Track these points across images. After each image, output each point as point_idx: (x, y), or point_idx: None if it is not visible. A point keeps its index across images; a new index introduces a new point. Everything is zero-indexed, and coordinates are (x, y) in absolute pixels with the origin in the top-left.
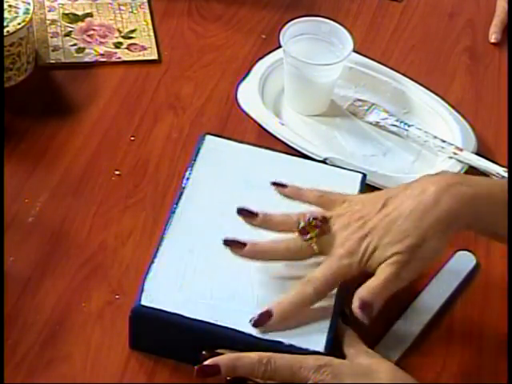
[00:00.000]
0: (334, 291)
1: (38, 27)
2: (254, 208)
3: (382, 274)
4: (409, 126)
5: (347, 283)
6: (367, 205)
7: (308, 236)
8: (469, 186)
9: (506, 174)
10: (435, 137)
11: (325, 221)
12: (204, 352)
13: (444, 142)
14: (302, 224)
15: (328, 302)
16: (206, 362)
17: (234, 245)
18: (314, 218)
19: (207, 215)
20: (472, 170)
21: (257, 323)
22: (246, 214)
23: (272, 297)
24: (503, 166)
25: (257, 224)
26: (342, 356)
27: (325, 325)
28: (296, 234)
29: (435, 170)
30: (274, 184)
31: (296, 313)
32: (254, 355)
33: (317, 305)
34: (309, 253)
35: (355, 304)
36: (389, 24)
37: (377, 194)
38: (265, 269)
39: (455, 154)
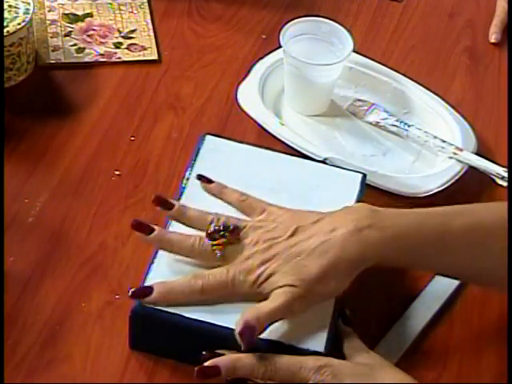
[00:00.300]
0: None
1: (38, 27)
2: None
3: (275, 300)
4: (409, 126)
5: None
6: (279, 227)
7: (215, 242)
8: (378, 230)
9: (505, 174)
10: (435, 137)
11: (235, 231)
12: (204, 352)
13: (444, 142)
14: (211, 228)
15: (328, 302)
16: (206, 363)
17: (140, 228)
18: (226, 227)
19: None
20: (472, 170)
21: (134, 294)
22: (161, 201)
23: None
24: (503, 166)
25: (171, 214)
26: (342, 356)
27: (325, 325)
28: (203, 236)
29: (435, 169)
30: (200, 178)
31: (175, 299)
32: (253, 356)
33: (317, 305)
34: (212, 257)
35: (238, 328)
36: (389, 24)
37: (293, 215)
38: None
39: (455, 154)
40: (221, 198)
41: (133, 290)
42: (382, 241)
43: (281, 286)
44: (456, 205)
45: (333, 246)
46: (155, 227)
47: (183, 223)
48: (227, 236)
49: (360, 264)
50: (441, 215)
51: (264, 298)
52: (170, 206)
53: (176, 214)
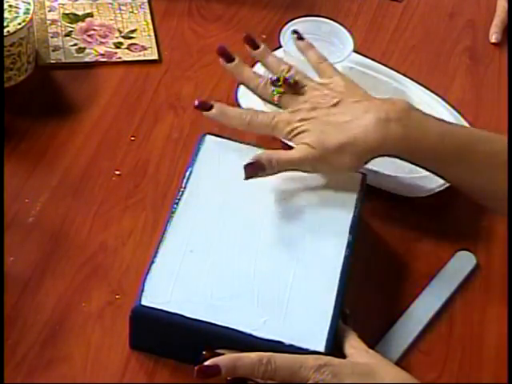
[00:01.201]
0: (335, 291)
1: (38, 27)
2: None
3: (293, 153)
4: None
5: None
6: (329, 95)
7: (275, 88)
8: (403, 127)
9: None
10: None
11: (295, 86)
12: (204, 352)
13: None
14: (276, 76)
15: (328, 302)
16: (206, 363)
17: (224, 56)
18: (288, 79)
19: (207, 215)
20: None
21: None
22: (250, 40)
23: (272, 297)
24: None
25: (255, 54)
26: (343, 356)
27: (325, 325)
28: (269, 78)
29: None
30: (295, 32)
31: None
32: (254, 355)
33: (317, 305)
34: (269, 99)
35: (248, 160)
36: (389, 24)
37: (346, 87)
38: (266, 269)
39: None
40: (303, 54)
41: (198, 101)
42: (402, 137)
43: (303, 143)
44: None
45: (357, 126)
46: (236, 59)
47: (263, 65)
48: (286, 88)
49: (376, 150)
50: (468, 135)
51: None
52: (256, 46)
53: (259, 55)
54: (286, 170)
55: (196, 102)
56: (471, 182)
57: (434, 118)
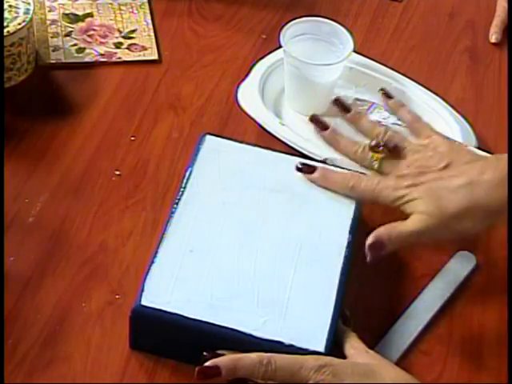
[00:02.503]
0: (335, 291)
1: (38, 27)
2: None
3: (410, 223)
4: None
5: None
6: (435, 157)
7: (375, 154)
8: None
9: None
10: None
11: (395, 149)
12: (205, 353)
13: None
14: (375, 141)
15: (328, 302)
16: (206, 364)
17: (317, 124)
18: (388, 143)
19: (207, 215)
20: None
21: None
22: (341, 108)
23: (272, 297)
24: None
25: (348, 118)
26: (343, 357)
27: (325, 325)
28: (367, 145)
29: None
30: (382, 90)
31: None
32: (254, 356)
33: (317, 305)
34: (369, 166)
35: (369, 239)
36: (389, 24)
37: (451, 149)
38: (266, 269)
39: None
40: (395, 113)
41: (301, 163)
42: None
43: (419, 212)
44: None
45: (477, 189)
46: (330, 127)
47: (356, 129)
48: (386, 152)
49: (500, 213)
50: None
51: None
52: (348, 110)
53: (352, 119)
54: (406, 244)
55: (299, 165)
56: None
57: None
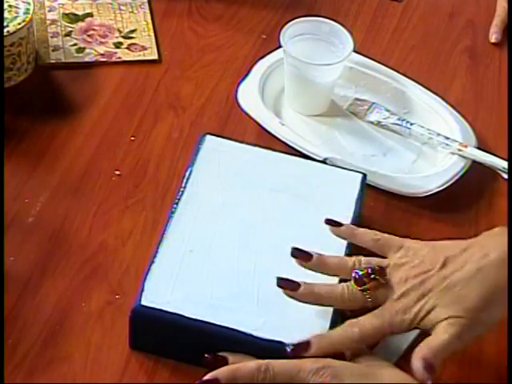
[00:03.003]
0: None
1: (38, 27)
2: (307, 249)
3: (443, 333)
4: (411, 124)
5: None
6: (426, 260)
7: (365, 287)
8: None
9: None
10: (439, 134)
11: (382, 272)
12: (206, 355)
13: (448, 138)
14: (359, 273)
15: None
16: (205, 377)
17: (288, 286)
18: (372, 269)
19: (207, 215)
20: (476, 166)
21: (294, 351)
22: (299, 255)
23: (272, 297)
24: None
25: (311, 266)
26: (342, 358)
27: (325, 325)
28: (351, 282)
29: (435, 169)
30: (328, 222)
31: (334, 349)
32: (252, 364)
33: (317, 305)
34: (363, 302)
35: (417, 364)
36: (389, 24)
37: (434, 247)
38: (266, 269)
39: (460, 150)
40: (352, 241)
41: (292, 347)
42: None
43: (445, 319)
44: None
45: (489, 273)
46: (301, 283)
47: (323, 272)
48: (377, 278)
49: None
50: None
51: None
52: (309, 259)
53: (316, 265)
54: (448, 356)
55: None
56: None
57: None
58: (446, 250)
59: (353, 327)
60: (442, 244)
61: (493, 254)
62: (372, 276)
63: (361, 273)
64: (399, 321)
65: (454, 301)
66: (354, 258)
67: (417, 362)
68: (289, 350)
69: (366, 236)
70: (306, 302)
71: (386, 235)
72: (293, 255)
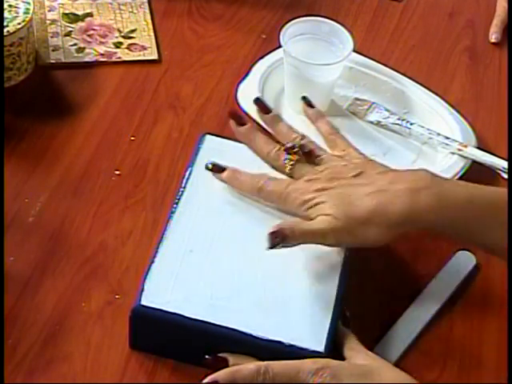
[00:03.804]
0: (334, 292)
1: (38, 27)
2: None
3: (315, 223)
4: (411, 123)
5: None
6: (348, 166)
7: (288, 156)
8: (434, 195)
9: None
10: (439, 134)
11: (310, 154)
12: (207, 356)
13: (448, 138)
14: (290, 143)
15: (328, 302)
16: (204, 381)
17: (235, 118)
18: (303, 147)
19: (207, 215)
20: (476, 166)
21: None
22: (261, 106)
23: (272, 297)
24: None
25: (266, 120)
26: (342, 358)
27: (325, 325)
28: (282, 147)
29: (436, 167)
30: (305, 98)
31: (240, 186)
32: (251, 366)
33: (317, 305)
34: (282, 169)
35: (271, 229)
36: (389, 24)
37: (364, 161)
38: (266, 269)
39: (460, 150)
40: (314, 124)
41: (211, 164)
42: (436, 206)
43: (325, 214)
44: None
45: (386, 196)
46: (248, 124)
47: (273, 132)
48: (300, 156)
49: (406, 222)
50: (498, 193)
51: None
52: (267, 111)
53: (270, 122)
54: (308, 242)
55: (209, 165)
56: (504, 244)
57: (458, 182)
58: (369, 167)
59: (260, 178)
60: (372, 163)
61: (397, 185)
62: (297, 150)
63: (292, 143)
64: (293, 198)
65: (342, 204)
66: (301, 135)
67: (272, 228)
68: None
69: (325, 126)
70: (244, 141)
71: (340, 135)
72: (255, 102)
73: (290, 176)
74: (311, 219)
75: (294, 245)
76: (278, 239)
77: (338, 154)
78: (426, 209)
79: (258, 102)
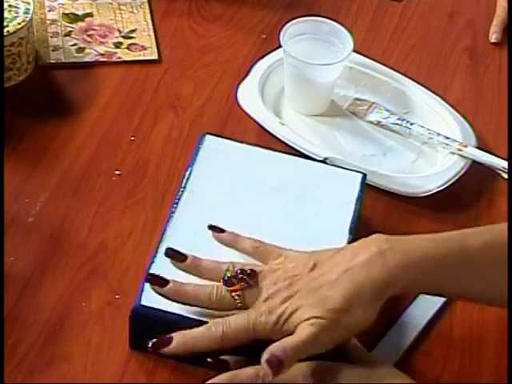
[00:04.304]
0: None
1: (38, 27)
2: (183, 250)
3: (301, 333)
4: (411, 123)
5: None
6: (298, 265)
7: (232, 288)
8: (401, 253)
9: None
10: (439, 134)
11: (253, 275)
12: (209, 359)
13: (448, 138)
14: (228, 274)
15: None
16: None
17: (155, 281)
18: (243, 271)
19: (207, 215)
20: (472, 169)
21: (154, 346)
22: (173, 255)
23: None
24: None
25: (184, 267)
26: (342, 360)
27: None
28: (221, 283)
29: (435, 169)
30: (211, 228)
31: (195, 347)
32: (250, 370)
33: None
34: (231, 304)
35: (264, 357)
36: (389, 24)
37: (311, 253)
38: None
39: (460, 150)
40: (234, 247)
41: (152, 342)
42: (407, 262)
43: (307, 319)
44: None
45: (356, 272)
46: (170, 280)
47: (198, 276)
48: (245, 280)
49: (386, 289)
50: (456, 235)
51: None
52: (183, 259)
53: (190, 267)
54: (304, 356)
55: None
56: (476, 287)
57: (413, 236)
58: (318, 256)
59: (217, 325)
60: (317, 251)
61: (362, 256)
62: (240, 277)
63: (229, 274)
64: (263, 322)
65: (318, 302)
66: (229, 263)
67: (265, 355)
68: (150, 345)
69: (247, 242)
70: (173, 301)
71: (266, 243)
72: (166, 255)
73: (243, 308)
74: (293, 332)
75: (292, 364)
76: (275, 366)
77: (276, 262)
78: (399, 268)
79: (170, 252)
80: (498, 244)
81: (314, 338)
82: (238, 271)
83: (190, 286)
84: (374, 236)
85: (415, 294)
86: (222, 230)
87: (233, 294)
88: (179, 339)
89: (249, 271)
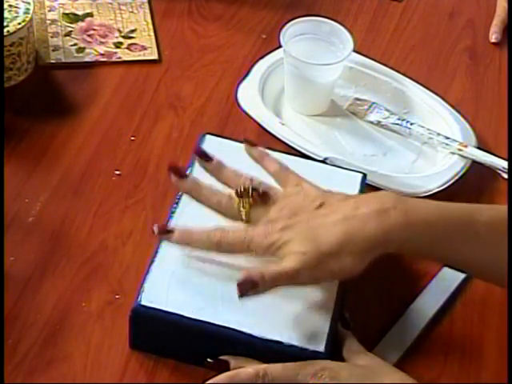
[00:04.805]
0: (335, 293)
1: (38, 27)
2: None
3: (285, 264)
4: (411, 123)
5: (346, 286)
6: (308, 199)
7: (242, 202)
8: (402, 213)
9: None
10: (439, 134)
11: (264, 196)
12: (209, 360)
13: (448, 138)
14: (241, 187)
15: (328, 302)
16: None
17: (176, 171)
18: (255, 189)
19: (207, 215)
20: (472, 168)
21: (159, 231)
22: (202, 154)
23: (272, 297)
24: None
25: (209, 167)
26: (342, 359)
27: (325, 325)
28: (233, 194)
29: (435, 169)
30: (245, 141)
31: (193, 245)
32: (249, 370)
33: (318, 305)
34: (236, 216)
35: (241, 275)
36: (389, 24)
37: (324, 193)
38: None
39: (460, 150)
40: (260, 164)
41: (157, 226)
42: (406, 223)
43: (294, 253)
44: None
45: (354, 222)
46: (190, 176)
47: (219, 180)
48: (254, 197)
49: (379, 245)
50: (465, 207)
51: None
52: (209, 160)
53: (213, 170)
54: (281, 284)
55: (155, 229)
56: (478, 260)
57: (424, 199)
58: (329, 197)
59: (216, 232)
60: (330, 192)
61: (363, 209)
62: (250, 193)
63: (243, 187)
64: (258, 242)
65: (310, 239)
66: (248, 177)
67: (243, 273)
68: (155, 229)
69: (271, 163)
70: (191, 196)
71: (289, 169)
72: (195, 152)
73: (247, 223)
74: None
75: (268, 289)
76: (248, 287)
77: (291, 189)
78: (396, 228)
79: (198, 151)
80: (504, 223)
81: (294, 272)
82: (251, 187)
83: (206, 188)
84: (384, 192)
85: (415, 295)
86: (254, 144)
87: (240, 207)
88: (180, 232)
89: (261, 191)
